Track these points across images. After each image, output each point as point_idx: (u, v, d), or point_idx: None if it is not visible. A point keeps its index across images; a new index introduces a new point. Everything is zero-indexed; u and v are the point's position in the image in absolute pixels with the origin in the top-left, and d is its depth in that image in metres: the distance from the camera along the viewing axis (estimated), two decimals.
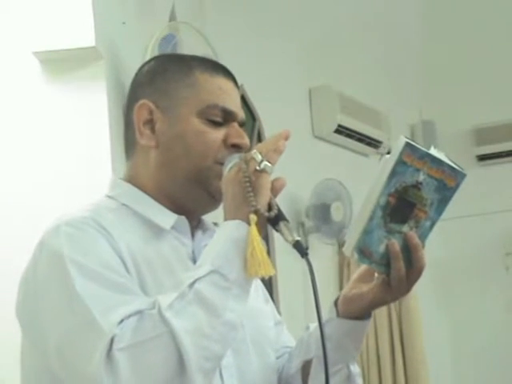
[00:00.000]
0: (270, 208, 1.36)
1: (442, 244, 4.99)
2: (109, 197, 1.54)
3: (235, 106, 1.53)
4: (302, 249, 1.35)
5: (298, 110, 4.34)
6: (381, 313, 4.23)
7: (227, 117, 1.51)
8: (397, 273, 1.41)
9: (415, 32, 5.28)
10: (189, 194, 1.50)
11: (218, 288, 1.29)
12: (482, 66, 5.21)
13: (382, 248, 1.41)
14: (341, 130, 4.44)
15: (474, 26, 5.26)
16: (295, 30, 4.29)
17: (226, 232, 1.34)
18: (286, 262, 3.06)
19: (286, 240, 1.36)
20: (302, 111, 4.38)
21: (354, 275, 1.53)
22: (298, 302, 3.76)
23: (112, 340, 1.26)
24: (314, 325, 1.51)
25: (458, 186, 1.42)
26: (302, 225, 4.10)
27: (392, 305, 4.25)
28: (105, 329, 1.27)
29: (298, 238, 1.35)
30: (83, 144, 2.54)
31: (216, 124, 1.50)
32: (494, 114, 5.11)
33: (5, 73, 2.58)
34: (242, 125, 1.54)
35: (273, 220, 1.36)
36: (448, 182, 1.41)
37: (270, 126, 3.80)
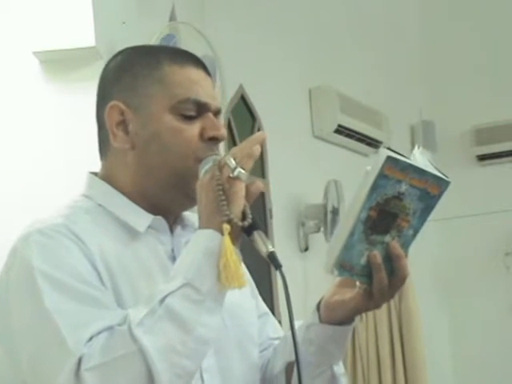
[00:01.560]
0: (244, 216, 1.32)
1: (441, 244, 5.00)
2: (85, 196, 1.51)
3: (208, 95, 1.48)
4: (276, 261, 1.32)
5: (298, 110, 4.34)
6: (381, 313, 4.23)
7: (201, 109, 1.46)
8: (379, 283, 1.39)
9: (415, 32, 5.28)
10: (166, 194, 1.47)
11: (190, 302, 1.27)
12: (482, 66, 5.22)
13: (363, 260, 1.39)
14: (341, 130, 4.44)
15: (473, 26, 5.26)
16: (295, 30, 4.29)
17: (198, 242, 1.32)
18: (285, 260, 3.06)
19: (260, 251, 1.32)
20: (302, 111, 4.38)
21: (336, 280, 1.50)
22: (297, 301, 3.75)
23: (80, 360, 1.24)
24: (299, 323, 1.49)
25: (441, 193, 1.38)
26: (302, 224, 4.10)
27: (392, 305, 4.25)
28: (72, 348, 1.25)
29: (272, 250, 1.32)
30: (83, 144, 2.53)
31: (190, 118, 1.46)
32: (494, 114, 5.10)
33: (5, 73, 2.58)
34: (217, 113, 1.50)
35: (247, 229, 1.32)
36: (431, 190, 1.37)
37: (270, 126, 3.79)
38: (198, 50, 2.79)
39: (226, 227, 1.29)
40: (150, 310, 1.26)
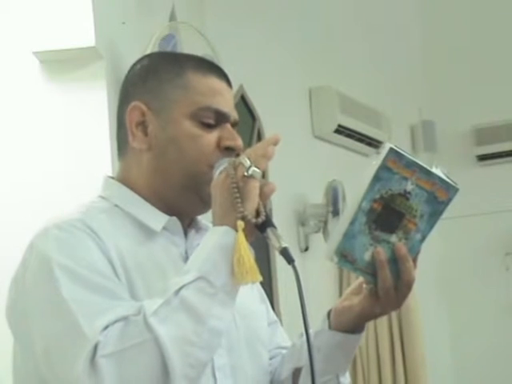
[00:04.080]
0: (258, 214, 1.35)
1: (442, 244, 4.99)
2: (101, 197, 1.53)
3: (228, 106, 1.52)
4: (288, 256, 1.34)
5: (297, 110, 4.34)
6: None
7: (220, 118, 1.50)
8: (383, 283, 1.40)
9: (415, 32, 5.29)
10: (181, 197, 1.50)
11: (204, 294, 1.29)
12: (482, 66, 5.22)
13: (367, 255, 1.39)
14: (341, 130, 4.44)
15: (474, 27, 5.26)
16: (295, 29, 4.29)
17: (213, 238, 1.34)
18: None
19: (274, 247, 1.35)
20: (302, 111, 4.39)
21: (349, 288, 1.52)
22: (297, 302, 3.75)
23: (96, 347, 1.26)
24: (309, 331, 1.51)
25: (450, 200, 1.39)
26: (303, 224, 4.10)
27: None
28: (88, 335, 1.27)
29: (286, 245, 1.34)
30: (83, 144, 2.54)
31: (209, 126, 1.49)
32: (494, 114, 5.11)
33: (5, 73, 2.58)
34: (235, 125, 1.53)
35: (260, 226, 1.35)
36: (439, 194, 1.38)
37: (270, 125, 3.80)
38: (198, 50, 2.79)
39: (240, 224, 1.32)
40: (164, 301, 1.29)
